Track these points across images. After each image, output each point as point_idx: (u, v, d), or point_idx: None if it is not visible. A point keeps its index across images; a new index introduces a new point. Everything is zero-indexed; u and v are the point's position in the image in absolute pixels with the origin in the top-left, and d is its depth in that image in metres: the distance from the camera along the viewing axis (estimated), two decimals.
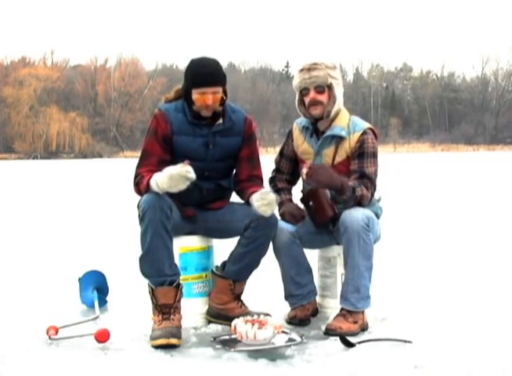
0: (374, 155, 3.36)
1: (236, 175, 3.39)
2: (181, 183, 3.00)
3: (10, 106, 65.25)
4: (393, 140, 68.62)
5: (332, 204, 3.33)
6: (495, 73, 76.44)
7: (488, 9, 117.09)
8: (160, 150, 3.22)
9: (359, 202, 3.27)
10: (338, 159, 3.37)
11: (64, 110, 66.69)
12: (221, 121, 3.26)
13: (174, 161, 3.14)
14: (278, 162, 3.61)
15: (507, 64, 75.65)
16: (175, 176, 2.99)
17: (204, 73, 3.17)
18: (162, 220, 3.03)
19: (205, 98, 3.16)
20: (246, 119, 3.36)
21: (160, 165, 3.13)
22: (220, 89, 3.21)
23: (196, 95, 3.17)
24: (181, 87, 3.30)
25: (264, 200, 3.12)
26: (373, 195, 3.33)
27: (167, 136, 3.22)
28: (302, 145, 3.49)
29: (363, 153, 3.34)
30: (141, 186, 3.12)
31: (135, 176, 3.20)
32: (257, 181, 3.34)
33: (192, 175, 3.00)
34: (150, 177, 3.07)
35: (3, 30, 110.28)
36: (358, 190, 3.25)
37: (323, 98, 3.36)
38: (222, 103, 3.25)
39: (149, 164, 3.20)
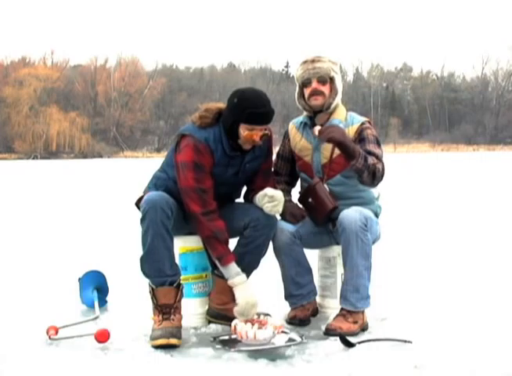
0: (376, 141, 3.33)
1: (249, 184, 3.37)
2: (246, 313, 3.04)
3: (10, 106, 65.24)
4: (393, 140, 68.59)
5: (330, 196, 3.33)
6: (495, 73, 76.57)
7: (488, 9, 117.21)
8: (212, 182, 3.16)
9: (373, 173, 3.17)
10: (337, 152, 3.36)
11: (64, 110, 66.69)
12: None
13: None
14: (275, 164, 3.60)
15: (507, 64, 75.82)
16: (250, 308, 3.03)
17: (261, 113, 3.09)
18: (163, 220, 3.03)
19: (253, 134, 3.11)
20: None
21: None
22: (268, 127, 3.18)
23: (245, 130, 3.10)
24: (214, 109, 3.19)
25: (274, 202, 3.15)
26: (384, 170, 3.24)
27: (211, 167, 3.17)
28: (300, 142, 3.49)
29: (364, 139, 3.31)
30: (216, 244, 3.09)
31: (207, 212, 3.09)
32: None
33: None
34: (231, 256, 3.08)
35: (3, 30, 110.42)
36: (370, 160, 3.16)
37: (325, 89, 3.37)
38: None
39: (209, 198, 3.12)
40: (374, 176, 3.19)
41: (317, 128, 3.24)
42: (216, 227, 3.09)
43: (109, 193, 13.88)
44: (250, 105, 3.08)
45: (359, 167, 3.14)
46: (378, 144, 3.33)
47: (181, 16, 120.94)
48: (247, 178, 3.32)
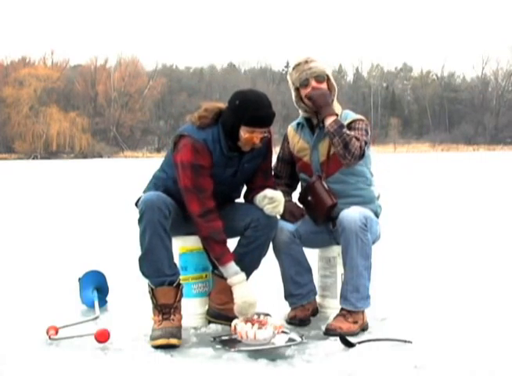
0: (364, 130, 3.33)
1: (249, 183, 3.37)
2: (244, 311, 3.05)
3: (10, 106, 65.22)
4: (393, 140, 68.59)
5: (330, 193, 3.33)
6: (495, 73, 76.57)
7: (488, 8, 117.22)
8: (211, 182, 3.16)
9: (345, 143, 3.19)
10: (333, 150, 3.35)
11: (64, 110, 66.66)
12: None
13: None
14: (276, 167, 3.60)
15: (507, 64, 75.81)
16: (248, 307, 3.04)
17: (262, 115, 3.09)
18: (160, 220, 3.03)
19: (254, 137, 3.10)
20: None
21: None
22: (268, 129, 3.17)
23: (246, 133, 3.09)
24: (213, 109, 3.19)
25: (274, 203, 3.15)
26: (362, 149, 3.23)
27: (210, 168, 3.16)
28: (298, 143, 3.50)
29: (351, 127, 3.33)
30: (213, 244, 3.10)
31: (205, 213, 3.09)
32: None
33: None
34: (230, 256, 3.10)
35: (3, 30, 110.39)
36: (346, 130, 3.22)
37: (324, 87, 3.37)
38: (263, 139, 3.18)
39: (207, 197, 3.13)
40: (346, 147, 3.20)
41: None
42: (213, 228, 3.10)
43: (109, 193, 13.88)
44: (251, 108, 3.07)
45: (331, 130, 3.22)
46: (364, 131, 3.33)
47: (181, 16, 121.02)
48: (246, 177, 3.32)
